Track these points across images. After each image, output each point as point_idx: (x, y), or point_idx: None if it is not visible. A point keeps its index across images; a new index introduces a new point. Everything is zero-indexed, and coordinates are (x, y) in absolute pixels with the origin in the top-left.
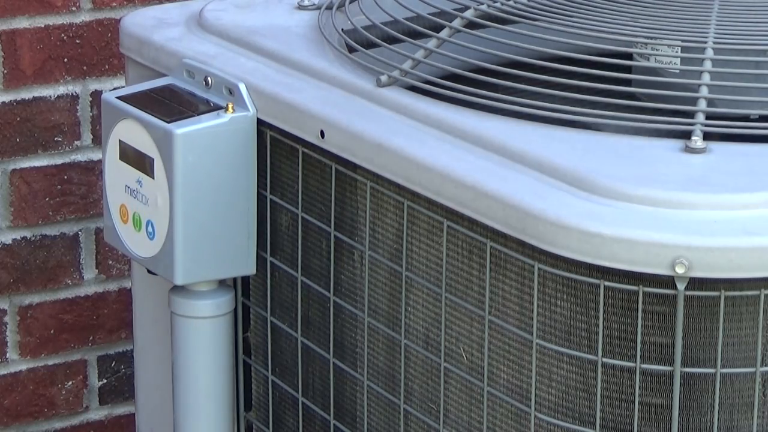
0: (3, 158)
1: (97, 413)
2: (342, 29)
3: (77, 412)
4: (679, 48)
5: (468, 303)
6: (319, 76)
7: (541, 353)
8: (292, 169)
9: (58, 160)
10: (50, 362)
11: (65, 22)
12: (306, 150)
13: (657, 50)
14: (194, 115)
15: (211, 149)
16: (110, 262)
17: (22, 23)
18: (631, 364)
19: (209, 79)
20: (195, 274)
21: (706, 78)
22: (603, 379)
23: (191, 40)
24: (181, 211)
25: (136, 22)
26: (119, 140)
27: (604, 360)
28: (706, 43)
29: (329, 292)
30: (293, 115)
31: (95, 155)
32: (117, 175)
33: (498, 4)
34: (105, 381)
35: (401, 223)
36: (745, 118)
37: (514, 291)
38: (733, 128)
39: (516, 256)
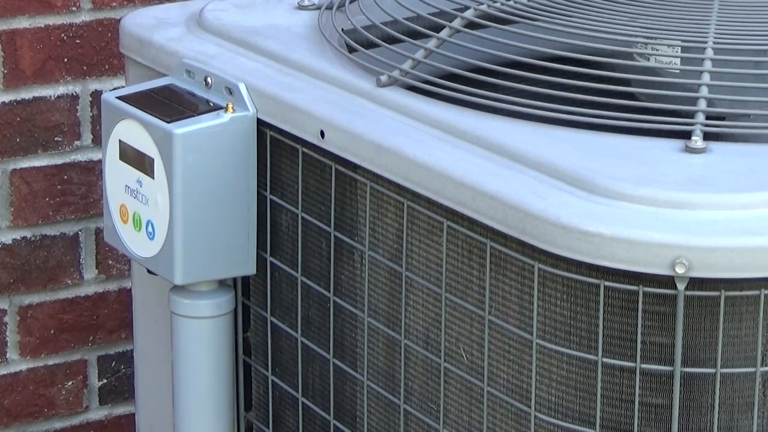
0: (3, 158)
1: (97, 413)
2: (342, 29)
3: (77, 412)
4: (679, 48)
5: (468, 303)
6: (319, 76)
7: (541, 353)
8: (292, 169)
9: (58, 160)
10: (50, 362)
11: (65, 22)
12: (306, 150)
13: (657, 50)
14: (194, 115)
15: (211, 149)
16: (110, 262)
17: (22, 23)
18: (631, 364)
19: (209, 79)
20: (195, 274)
21: (706, 78)
22: (603, 379)
23: (191, 40)
24: (181, 211)
25: (136, 22)
26: (119, 140)
27: (604, 360)
28: (706, 43)
29: (329, 292)
30: (293, 115)
31: (95, 155)
32: (117, 175)
33: (498, 4)
34: (105, 381)
35: (401, 223)
36: (745, 118)
37: (514, 291)
38: (733, 128)
39: (516, 256)
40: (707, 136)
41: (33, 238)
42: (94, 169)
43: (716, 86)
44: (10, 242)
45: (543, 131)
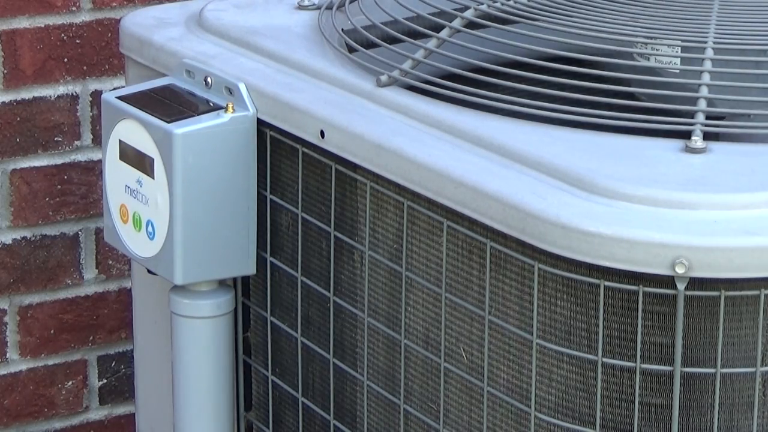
0: (3, 158)
1: (97, 413)
2: (342, 29)
3: (77, 412)
4: (679, 48)
5: (468, 303)
6: (319, 76)
7: (541, 353)
8: (292, 169)
9: (58, 160)
10: (50, 362)
11: (65, 22)
12: (306, 150)
13: (657, 50)
14: (194, 115)
15: (211, 149)
16: (110, 262)
17: (22, 23)
18: (631, 364)
19: (209, 79)
20: (195, 274)
21: (706, 78)
22: (603, 379)
23: (191, 40)
24: (181, 211)
25: (136, 22)
26: (119, 140)
27: (604, 360)
28: (706, 43)
29: (329, 292)
30: (293, 115)
31: (95, 155)
32: (117, 175)
33: (498, 4)
34: (105, 381)
35: (401, 223)
36: (745, 118)
37: (514, 291)
38: (733, 128)
39: (516, 256)
40: (707, 136)
41: (33, 238)
42: (94, 169)
43: (716, 86)
44: (10, 242)
45: (543, 131)
